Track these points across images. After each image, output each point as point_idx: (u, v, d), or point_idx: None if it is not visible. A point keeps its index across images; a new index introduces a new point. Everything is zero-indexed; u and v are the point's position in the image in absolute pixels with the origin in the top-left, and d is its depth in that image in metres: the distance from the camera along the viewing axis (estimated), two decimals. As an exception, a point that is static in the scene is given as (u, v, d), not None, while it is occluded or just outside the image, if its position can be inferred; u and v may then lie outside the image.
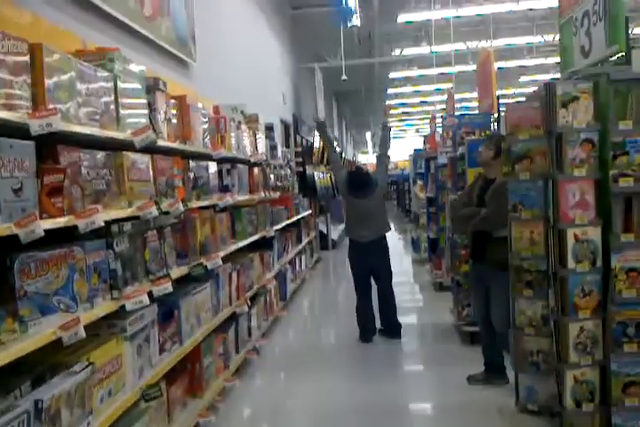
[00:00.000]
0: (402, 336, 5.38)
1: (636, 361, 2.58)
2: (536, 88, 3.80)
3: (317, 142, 12.80)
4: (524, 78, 19.26)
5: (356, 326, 5.36)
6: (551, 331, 2.94)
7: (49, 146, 2.23)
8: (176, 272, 3.23)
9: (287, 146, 10.52)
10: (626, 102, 2.73)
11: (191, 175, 3.76)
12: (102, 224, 2.27)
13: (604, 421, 2.64)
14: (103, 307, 2.41)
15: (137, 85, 2.98)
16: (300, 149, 11.24)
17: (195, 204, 3.68)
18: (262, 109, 6.61)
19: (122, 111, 2.78)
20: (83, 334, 2.09)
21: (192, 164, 3.80)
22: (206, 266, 3.64)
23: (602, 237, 2.71)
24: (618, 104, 2.74)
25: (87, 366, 2.17)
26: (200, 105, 4.14)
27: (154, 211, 2.80)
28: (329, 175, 15.46)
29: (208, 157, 4.18)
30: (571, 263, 2.68)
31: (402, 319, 5.53)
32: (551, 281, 2.88)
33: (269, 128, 6.88)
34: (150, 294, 2.79)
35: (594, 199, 2.76)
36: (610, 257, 2.65)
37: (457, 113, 8.32)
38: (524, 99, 4.88)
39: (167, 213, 3.12)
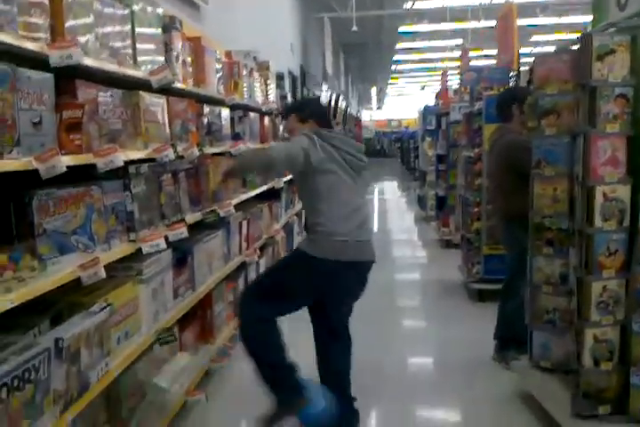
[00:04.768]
0: (406, 299, 5.24)
1: (657, 321, 2.55)
2: (552, 48, 3.66)
3: (324, 97, 12.58)
4: (535, 38, 18.81)
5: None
6: (570, 289, 2.91)
7: (66, 81, 2.13)
8: (190, 218, 3.18)
9: (294, 98, 10.32)
10: (665, 56, 2.61)
11: (205, 121, 3.66)
12: (121, 164, 2.19)
13: (622, 380, 2.64)
14: (121, 249, 2.36)
15: (154, 22, 2.85)
16: (307, 102, 11.03)
17: (209, 150, 3.59)
18: (270, 58, 6.42)
19: (139, 49, 2.67)
20: (103, 274, 2.04)
21: (206, 109, 3.69)
22: (219, 213, 3.58)
23: (630, 197, 2.64)
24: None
25: (105, 307, 2.13)
26: (213, 49, 4.00)
27: (170, 154, 2.72)
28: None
29: (221, 103, 4.06)
30: (598, 222, 2.61)
31: (405, 276, 5.46)
32: (574, 239, 2.83)
33: (280, 77, 6.71)
34: (166, 239, 2.74)
35: (625, 157, 2.67)
36: (638, 217, 2.58)
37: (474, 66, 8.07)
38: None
39: (182, 157, 3.04)
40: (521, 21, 15.20)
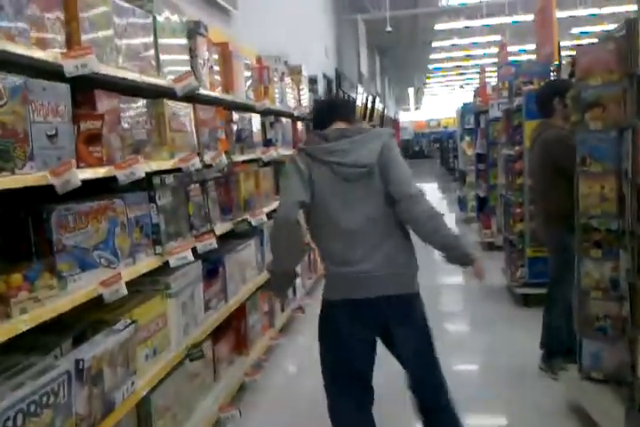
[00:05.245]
0: (449, 303, 5.13)
1: None
2: (595, 40, 3.46)
3: (360, 99, 12.45)
4: (575, 30, 18.26)
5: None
6: (621, 295, 2.72)
7: (85, 91, 2.08)
8: (220, 228, 3.11)
9: (330, 101, 10.23)
10: None
11: (234, 127, 3.59)
12: (143, 175, 2.13)
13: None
14: (146, 263, 2.29)
15: (178, 28, 2.79)
16: (342, 105, 10.92)
17: (238, 157, 3.52)
18: (304, 63, 6.35)
19: (162, 56, 2.61)
20: (124, 290, 1.97)
21: (235, 115, 3.62)
22: (251, 222, 3.50)
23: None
24: None
25: (130, 324, 2.06)
26: (242, 54, 3.93)
27: (197, 163, 2.65)
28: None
29: (251, 109, 3.99)
30: (650, 221, 2.43)
31: (448, 280, 5.26)
32: (624, 241, 2.64)
33: (313, 81, 6.63)
34: (194, 251, 2.67)
35: (679, 151, 2.48)
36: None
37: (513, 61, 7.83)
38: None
39: (210, 165, 2.97)
40: (560, 14, 14.84)
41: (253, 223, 3.57)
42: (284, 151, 4.69)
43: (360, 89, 12.70)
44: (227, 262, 3.21)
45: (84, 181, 1.88)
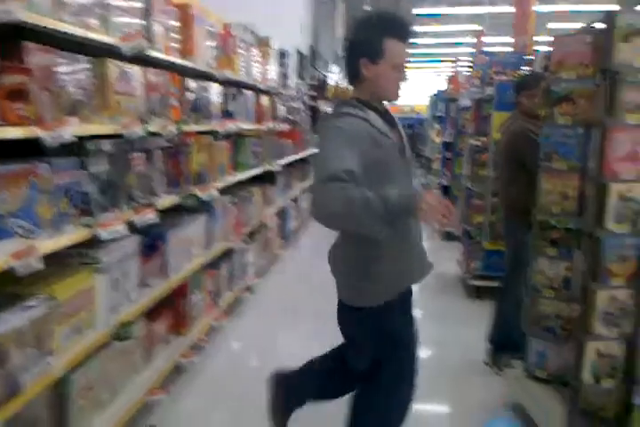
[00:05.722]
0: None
1: (668, 337, 2.30)
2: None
3: (333, 78, 12.24)
4: (551, 25, 18.26)
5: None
6: (573, 295, 2.65)
7: (13, 43, 1.87)
8: (165, 201, 2.93)
9: (302, 78, 9.99)
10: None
11: (190, 96, 3.39)
12: (72, 138, 1.93)
13: (624, 399, 2.39)
14: (73, 235, 2.10)
15: (130, -18, 2.57)
16: (315, 83, 10.69)
17: (191, 128, 3.32)
18: (277, 36, 6.10)
19: (111, 13, 2.39)
20: (39, 263, 1.79)
21: (192, 83, 3.41)
22: (200, 197, 3.32)
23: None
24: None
25: (47, 301, 1.89)
26: (206, 19, 3.71)
27: (139, 130, 2.45)
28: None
29: (211, 78, 3.78)
30: (609, 224, 2.34)
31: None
32: (581, 241, 2.56)
33: (282, 55, 6.40)
34: (132, 224, 2.49)
35: (645, 152, 2.39)
36: (655, 219, 2.32)
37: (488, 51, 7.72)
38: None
39: (157, 134, 2.78)
40: (539, 8, 14.78)
41: (203, 198, 3.39)
42: (244, 125, 4.50)
43: (334, 69, 12.49)
44: (169, 238, 3.04)
45: (6, 140, 1.69)
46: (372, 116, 1.96)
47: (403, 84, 2.03)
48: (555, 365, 2.84)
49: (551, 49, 2.96)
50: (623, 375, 2.41)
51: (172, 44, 3.14)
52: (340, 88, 13.38)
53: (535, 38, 18.27)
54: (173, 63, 3.09)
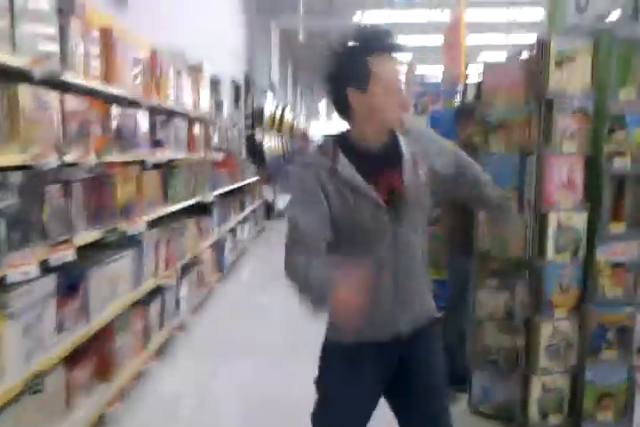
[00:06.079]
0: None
1: (613, 370, 2.24)
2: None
3: (269, 108, 12.20)
4: (484, 55, 18.92)
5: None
6: (516, 327, 2.58)
7: None
8: (85, 237, 2.71)
9: (237, 107, 9.89)
10: (629, 67, 2.33)
11: (114, 124, 3.20)
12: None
13: (572, 435, 2.32)
14: (-27, 278, 1.87)
15: (45, 5, 2.40)
16: (249, 112, 10.62)
17: (115, 157, 3.12)
18: (210, 63, 5.99)
19: (20, 31, 2.21)
20: None
21: (116, 110, 3.23)
22: (125, 231, 3.11)
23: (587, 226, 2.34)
24: (619, 69, 2.33)
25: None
26: (132, 44, 3.55)
27: (53, 160, 2.25)
28: (282, 143, 14.90)
29: (137, 105, 3.61)
30: (550, 253, 2.30)
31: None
32: (522, 272, 2.50)
33: (216, 82, 6.28)
34: (47, 263, 2.27)
35: (582, 180, 2.37)
36: (594, 249, 2.28)
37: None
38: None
39: (74, 164, 2.57)
40: (468, 39, 15.28)
41: (129, 232, 3.18)
42: (175, 154, 4.32)
43: (270, 96, 12.46)
44: (90, 277, 2.80)
45: None
46: (343, 162, 1.61)
47: (403, 108, 1.66)
48: (500, 399, 2.75)
49: (482, 72, 2.96)
50: (569, 410, 2.33)
51: (93, 69, 2.96)
52: (276, 117, 13.36)
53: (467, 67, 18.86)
54: (94, 89, 2.91)
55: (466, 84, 5.07)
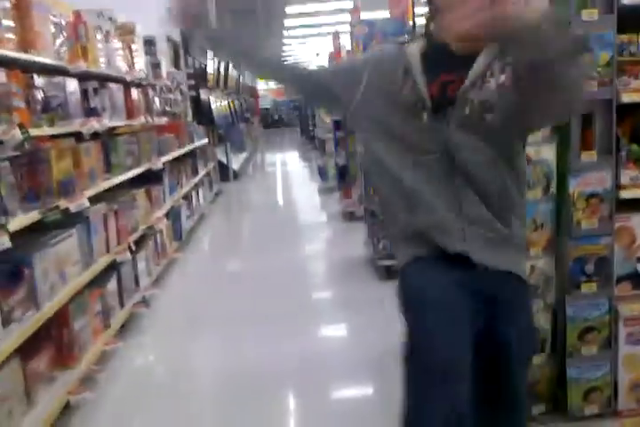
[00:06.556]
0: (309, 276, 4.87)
1: (594, 303, 2.19)
2: None
3: (212, 65, 11.74)
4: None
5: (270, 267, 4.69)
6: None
7: None
8: (21, 220, 2.49)
9: (177, 67, 9.45)
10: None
11: (38, 94, 2.93)
12: None
13: (557, 373, 2.27)
14: None
15: None
16: (191, 71, 10.18)
17: (45, 131, 2.87)
18: (141, 22, 5.60)
19: None
20: None
21: (39, 80, 2.95)
22: (67, 209, 2.90)
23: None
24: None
25: None
26: (51, 6, 3.24)
27: (-33, 140, 2.02)
28: (229, 101, 14.46)
29: (64, 72, 3.32)
30: (520, 191, 2.20)
31: (307, 254, 4.92)
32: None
33: (150, 42, 5.92)
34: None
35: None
36: (566, 181, 2.18)
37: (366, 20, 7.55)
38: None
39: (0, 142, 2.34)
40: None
41: (72, 210, 2.97)
42: (113, 122, 4.06)
43: (212, 54, 11.97)
44: (36, 262, 2.60)
45: None
46: (413, 49, 1.53)
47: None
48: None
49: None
50: (552, 348, 2.29)
51: (8, 36, 2.67)
52: (221, 75, 12.90)
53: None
54: (10, 58, 2.63)
55: (414, 22, 4.86)
